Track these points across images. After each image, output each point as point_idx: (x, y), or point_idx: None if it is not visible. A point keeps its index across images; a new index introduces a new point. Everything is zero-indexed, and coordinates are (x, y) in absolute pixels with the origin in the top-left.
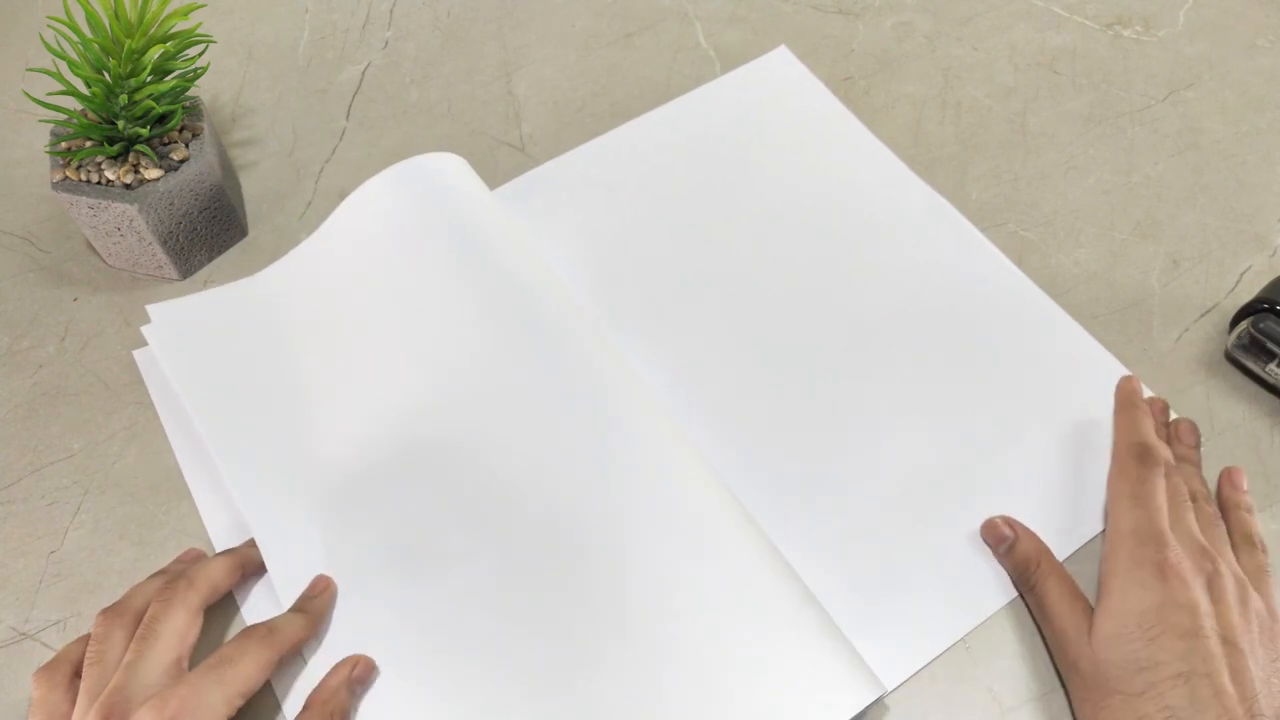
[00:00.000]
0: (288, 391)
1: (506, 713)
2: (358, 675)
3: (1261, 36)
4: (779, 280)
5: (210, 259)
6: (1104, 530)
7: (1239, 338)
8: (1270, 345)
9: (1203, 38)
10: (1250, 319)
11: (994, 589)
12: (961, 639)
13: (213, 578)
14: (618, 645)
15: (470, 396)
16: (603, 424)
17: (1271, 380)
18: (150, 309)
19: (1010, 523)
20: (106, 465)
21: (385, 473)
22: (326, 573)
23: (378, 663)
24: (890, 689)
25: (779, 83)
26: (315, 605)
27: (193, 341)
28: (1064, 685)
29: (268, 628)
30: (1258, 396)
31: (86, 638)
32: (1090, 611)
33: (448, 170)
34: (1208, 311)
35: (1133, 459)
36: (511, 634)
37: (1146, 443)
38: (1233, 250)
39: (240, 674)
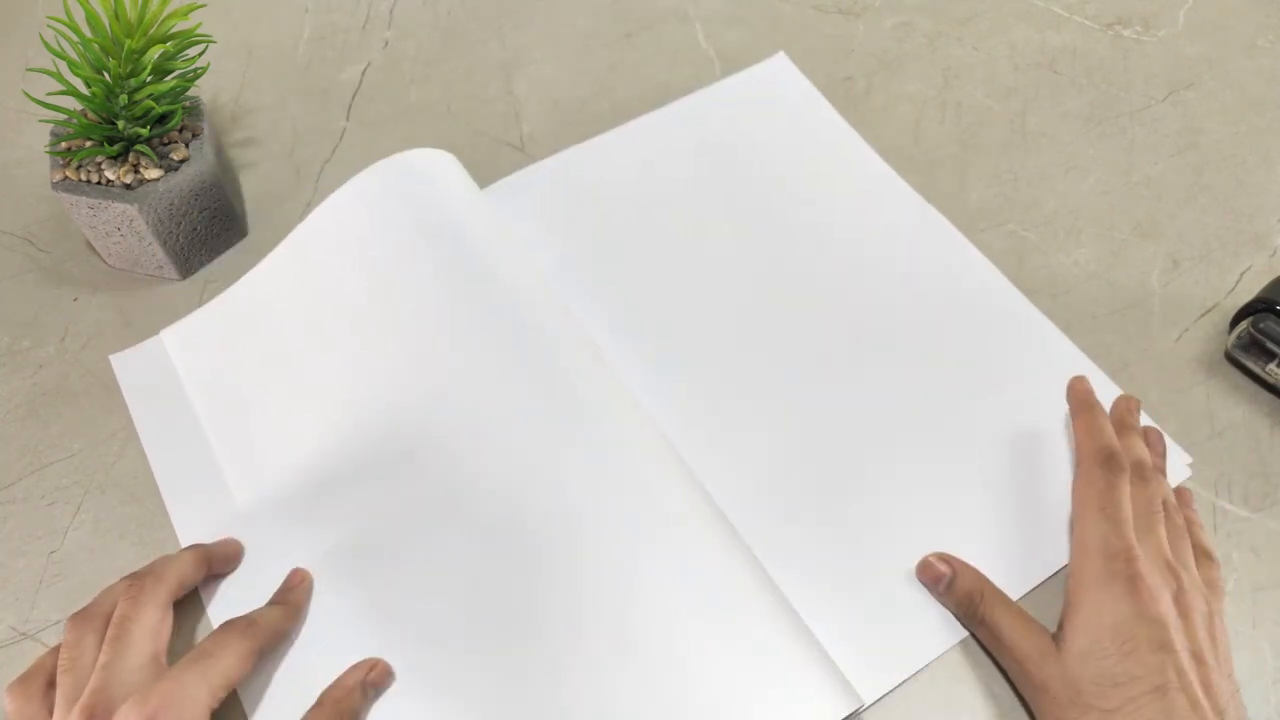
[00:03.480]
0: (272, 393)
1: (471, 710)
2: (373, 679)
3: (1261, 36)
4: (765, 289)
5: (210, 259)
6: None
7: (1239, 338)
8: (1270, 345)
9: (1203, 38)
10: (1250, 319)
11: None
12: (961, 640)
13: (180, 571)
14: (582, 647)
15: (443, 395)
16: (577, 424)
17: (1271, 380)
18: (165, 335)
19: (945, 559)
20: (106, 465)
21: (357, 470)
22: (295, 560)
23: (347, 659)
24: (868, 703)
25: (776, 90)
26: (293, 597)
27: (199, 358)
28: (1029, 710)
29: (247, 620)
30: (1258, 396)
31: (59, 648)
32: (1045, 631)
33: (432, 167)
34: (1208, 311)
35: (1098, 466)
36: (478, 633)
37: (1110, 448)
38: (1233, 250)
39: (221, 666)
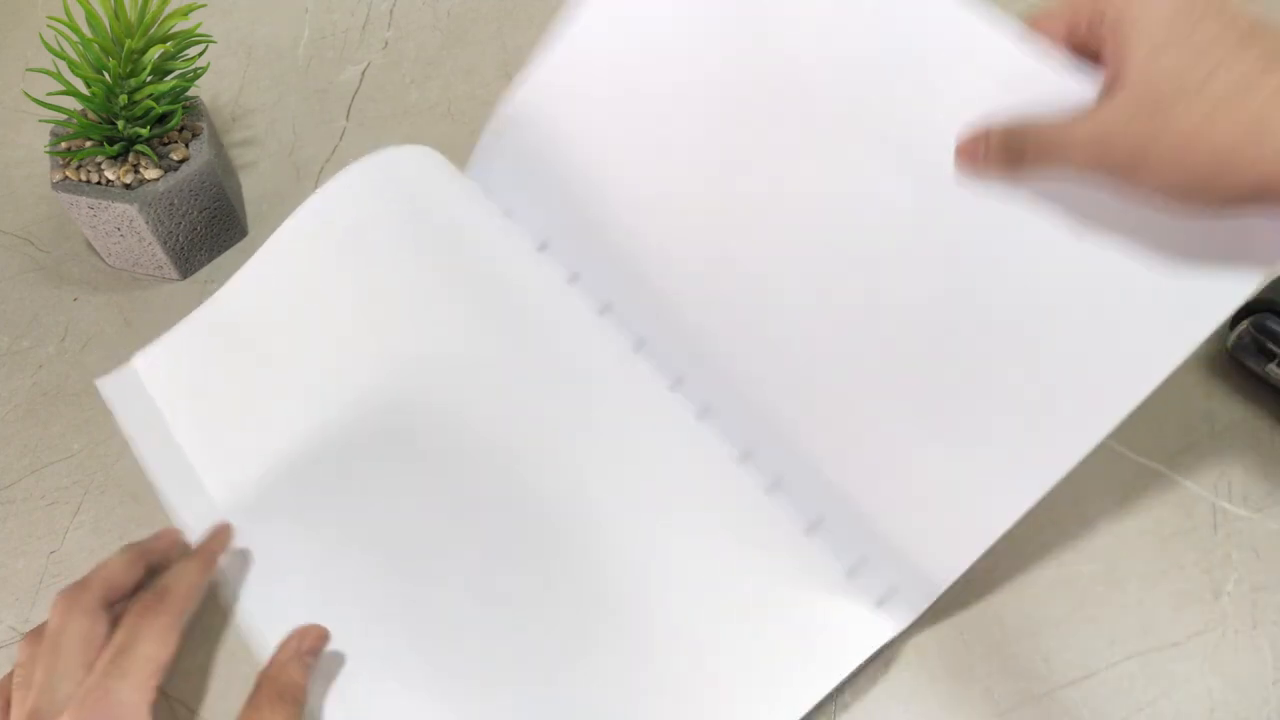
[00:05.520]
0: (265, 392)
1: (484, 701)
2: (308, 647)
3: None
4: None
5: (210, 259)
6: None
7: (1239, 338)
8: (1270, 345)
9: None
10: (1250, 319)
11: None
12: (961, 635)
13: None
14: (601, 625)
15: (443, 382)
16: (580, 405)
17: (1272, 380)
18: (137, 359)
19: (973, 130)
20: (106, 465)
21: (356, 462)
22: (298, 558)
23: (352, 652)
24: (903, 626)
25: None
26: (207, 547)
27: (171, 381)
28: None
29: (155, 594)
30: (1258, 396)
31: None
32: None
33: (413, 159)
34: None
35: None
36: (489, 621)
37: None
38: None
39: (141, 656)
